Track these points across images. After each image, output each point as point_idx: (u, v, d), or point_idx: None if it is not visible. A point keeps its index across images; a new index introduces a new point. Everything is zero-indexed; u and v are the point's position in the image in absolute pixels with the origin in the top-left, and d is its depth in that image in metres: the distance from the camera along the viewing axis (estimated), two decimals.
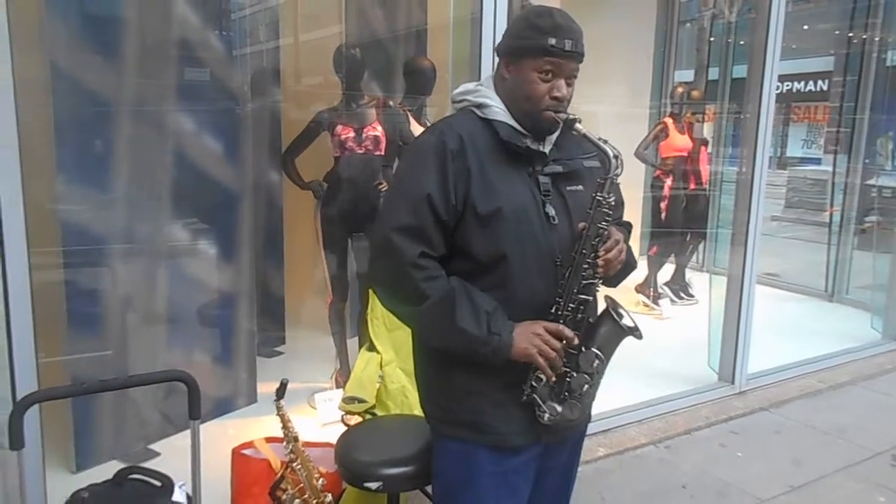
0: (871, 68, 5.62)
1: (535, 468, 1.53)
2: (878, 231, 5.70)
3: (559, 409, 1.41)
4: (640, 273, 5.32)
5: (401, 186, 1.47)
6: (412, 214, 1.37)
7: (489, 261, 1.39)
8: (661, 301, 5.27)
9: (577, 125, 1.41)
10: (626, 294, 5.08)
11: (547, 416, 1.41)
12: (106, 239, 2.76)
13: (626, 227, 1.61)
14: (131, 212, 2.83)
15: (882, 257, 5.10)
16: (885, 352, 4.50)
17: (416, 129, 3.41)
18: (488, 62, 2.54)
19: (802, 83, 17.06)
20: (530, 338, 1.36)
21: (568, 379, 1.41)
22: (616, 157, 1.40)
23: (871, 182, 5.99)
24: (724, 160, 5.26)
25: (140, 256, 2.89)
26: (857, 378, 4.06)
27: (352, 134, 3.30)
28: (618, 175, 1.41)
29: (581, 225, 1.39)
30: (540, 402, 1.41)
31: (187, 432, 1.76)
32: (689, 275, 5.70)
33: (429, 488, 1.86)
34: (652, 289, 5.31)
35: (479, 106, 1.47)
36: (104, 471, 2.21)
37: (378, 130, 3.33)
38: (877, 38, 5.63)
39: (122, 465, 1.99)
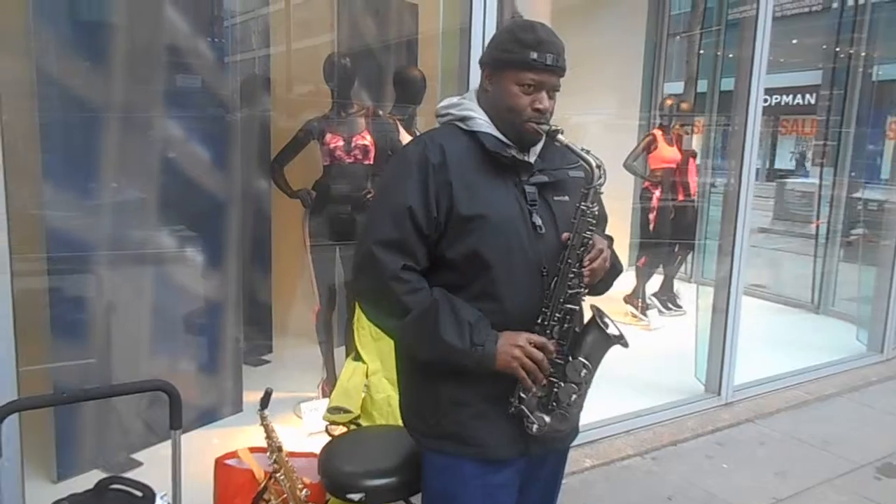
0: (857, 83, 5.70)
1: (520, 481, 1.53)
2: (863, 243, 5.75)
3: (548, 419, 1.41)
4: (628, 284, 5.34)
5: (383, 199, 1.47)
6: (394, 227, 1.38)
7: (476, 271, 1.39)
8: (649, 312, 5.28)
9: (560, 136, 1.42)
10: (614, 304, 5.10)
11: (535, 427, 1.40)
12: (92, 245, 2.74)
13: (608, 240, 1.62)
14: (118, 218, 2.82)
15: (867, 270, 5.14)
16: (870, 364, 4.53)
17: (406, 139, 3.41)
18: (477, 72, 2.53)
19: (791, 96, 17.24)
20: (512, 350, 1.36)
21: (555, 389, 1.41)
22: (599, 166, 1.40)
23: (857, 195, 6.04)
24: (713, 172, 5.30)
25: (126, 263, 2.87)
26: (842, 390, 4.08)
27: (341, 143, 3.30)
28: (601, 184, 1.41)
29: (565, 235, 1.40)
30: (528, 413, 1.41)
31: (170, 442, 1.75)
32: (678, 286, 5.73)
33: (412, 499, 1.86)
34: (640, 299, 5.33)
35: (463, 119, 1.48)
36: (86, 480, 2.18)
37: (367, 140, 3.34)
38: (862, 54, 5.70)
39: (103, 475, 1.97)
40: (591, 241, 1.40)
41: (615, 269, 1.52)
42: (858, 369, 4.42)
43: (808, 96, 16.41)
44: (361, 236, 1.45)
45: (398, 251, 1.38)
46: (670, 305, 5.57)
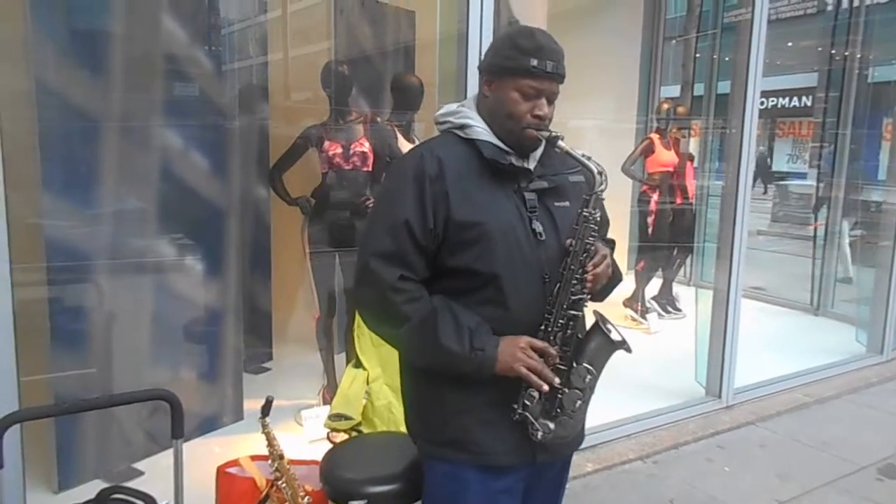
0: (853, 84, 5.72)
1: (524, 487, 1.52)
2: (861, 245, 5.76)
3: (552, 426, 1.40)
4: (627, 287, 5.34)
5: (380, 212, 1.48)
6: (390, 240, 1.38)
7: (478, 279, 1.39)
8: (648, 315, 5.29)
9: (560, 142, 1.42)
10: (613, 308, 5.10)
11: (540, 434, 1.40)
12: (91, 255, 2.74)
13: (610, 245, 1.62)
14: (117, 227, 2.82)
15: (866, 271, 5.15)
16: (870, 365, 4.53)
17: (404, 145, 3.42)
18: (474, 78, 2.56)
19: (787, 99, 17.29)
20: (514, 352, 1.36)
21: (559, 395, 1.40)
22: (601, 172, 1.40)
23: (855, 197, 6.05)
24: (710, 175, 5.31)
25: (126, 272, 2.87)
26: (842, 392, 4.08)
27: (339, 150, 3.30)
28: (602, 190, 1.41)
29: (568, 241, 1.40)
30: (532, 420, 1.40)
31: (172, 451, 1.75)
32: (677, 289, 5.73)
33: None
34: (640, 303, 5.33)
35: (462, 127, 1.48)
36: (87, 490, 2.19)
37: (366, 146, 3.35)
38: (858, 55, 5.72)
39: (105, 485, 1.97)
40: (593, 247, 1.40)
41: (615, 278, 1.52)
42: (858, 371, 4.42)
43: (804, 98, 16.47)
44: (360, 249, 1.45)
45: (396, 263, 1.38)
46: (670, 309, 5.57)
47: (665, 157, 5.19)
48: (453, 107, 1.54)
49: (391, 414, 2.37)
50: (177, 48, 3.03)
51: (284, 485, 2.00)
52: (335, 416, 2.29)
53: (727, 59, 5.04)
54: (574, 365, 1.41)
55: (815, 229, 6.37)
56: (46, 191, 2.57)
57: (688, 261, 5.92)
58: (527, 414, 1.40)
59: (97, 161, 2.74)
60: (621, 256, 5.81)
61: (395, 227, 1.38)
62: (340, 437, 2.27)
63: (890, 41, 5.82)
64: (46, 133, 2.55)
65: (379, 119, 3.56)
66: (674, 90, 7.49)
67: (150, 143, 2.94)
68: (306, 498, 2.01)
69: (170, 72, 2.98)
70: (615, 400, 3.40)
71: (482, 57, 1.56)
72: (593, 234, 1.39)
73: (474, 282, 1.40)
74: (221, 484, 2.17)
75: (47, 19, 2.57)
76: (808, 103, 15.86)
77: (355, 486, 1.78)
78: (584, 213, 1.39)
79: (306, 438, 3.05)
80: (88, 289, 2.75)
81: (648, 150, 5.21)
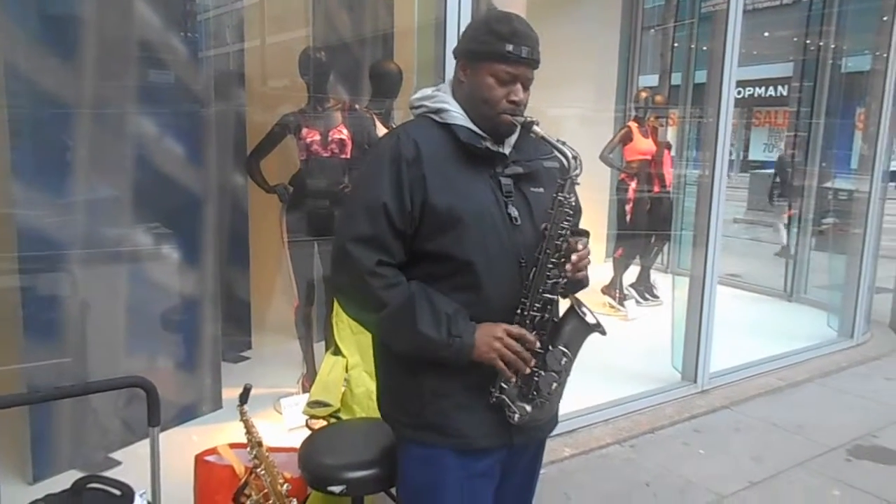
0: (826, 74, 5.80)
1: (500, 471, 1.53)
2: (834, 232, 5.87)
3: (529, 409, 1.41)
4: (605, 275, 5.39)
5: (358, 195, 1.47)
6: (369, 224, 1.38)
7: (454, 264, 1.40)
8: (626, 302, 5.35)
9: (535, 127, 1.42)
10: (591, 295, 5.14)
11: (517, 416, 1.41)
12: (65, 244, 2.70)
13: (584, 235, 1.63)
14: (91, 216, 2.78)
15: (838, 258, 5.25)
16: (841, 349, 4.64)
17: (383, 132, 3.41)
18: (452, 65, 2.55)
19: (763, 88, 17.48)
20: (490, 341, 1.36)
21: (536, 378, 1.41)
22: (575, 157, 1.41)
23: (828, 185, 6.16)
24: (688, 163, 5.37)
25: (101, 262, 2.83)
26: (814, 375, 4.17)
27: (317, 137, 3.28)
28: (577, 175, 1.42)
29: (543, 225, 1.41)
30: (509, 402, 1.41)
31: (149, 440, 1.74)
32: (654, 276, 5.80)
33: (393, 490, 1.87)
34: (617, 290, 5.39)
35: (437, 111, 1.47)
36: (62, 481, 2.16)
37: (344, 133, 3.33)
38: (832, 46, 5.80)
39: (80, 475, 1.95)
40: (568, 232, 1.40)
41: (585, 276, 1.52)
42: (830, 355, 4.52)
43: (780, 88, 16.66)
44: (337, 233, 1.44)
45: (373, 247, 1.38)
46: (647, 296, 5.64)
47: (643, 145, 5.23)
48: (428, 91, 1.53)
49: (370, 401, 2.37)
50: (151, 34, 2.98)
51: (263, 472, 2.00)
52: (314, 404, 2.29)
53: (704, 48, 5.08)
54: (550, 348, 1.42)
55: (790, 217, 6.47)
56: (17, 179, 2.53)
57: (665, 248, 5.99)
58: (503, 397, 1.41)
59: (70, 149, 2.69)
60: (600, 244, 5.88)
61: (373, 211, 1.37)
62: (319, 423, 2.27)
63: (862, 32, 5.89)
64: (17, 120, 2.50)
65: (357, 106, 3.54)
66: (652, 79, 7.55)
67: (125, 130, 2.90)
68: (285, 485, 2.01)
69: (144, 58, 2.94)
70: (593, 385, 3.44)
71: (458, 41, 1.55)
72: (568, 218, 1.40)
73: (450, 266, 1.40)
74: (200, 472, 2.17)
75: (17, 3, 2.52)
76: (784, 93, 16.05)
77: (334, 472, 1.79)
78: (559, 198, 1.39)
79: (286, 426, 3.04)
80: (62, 278, 2.71)
81: (626, 139, 5.24)
